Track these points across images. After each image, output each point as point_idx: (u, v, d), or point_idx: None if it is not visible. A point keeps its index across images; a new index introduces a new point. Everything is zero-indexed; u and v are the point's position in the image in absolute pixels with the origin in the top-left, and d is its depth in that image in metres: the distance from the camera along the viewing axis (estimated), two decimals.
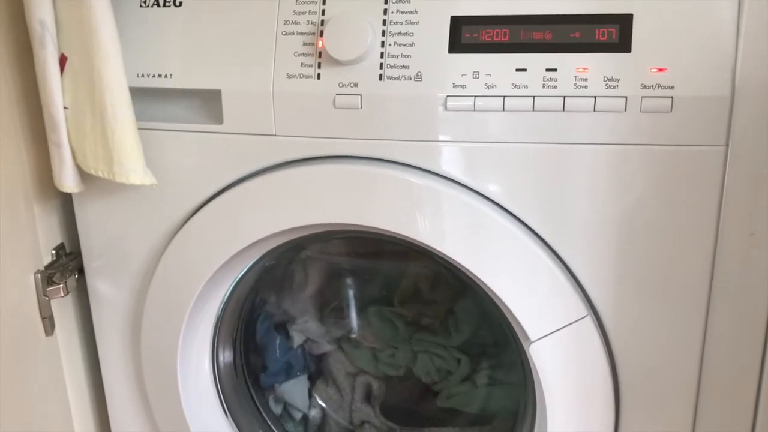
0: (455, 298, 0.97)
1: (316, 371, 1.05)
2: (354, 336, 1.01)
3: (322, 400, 1.02)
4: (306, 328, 1.01)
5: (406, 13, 0.68)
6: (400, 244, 0.74)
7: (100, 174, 0.73)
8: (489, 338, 0.96)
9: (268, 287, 0.99)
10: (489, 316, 0.92)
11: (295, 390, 1.02)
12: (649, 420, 0.72)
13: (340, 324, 1.02)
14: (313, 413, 1.03)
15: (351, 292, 1.02)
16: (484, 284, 0.70)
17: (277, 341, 1.01)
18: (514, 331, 0.73)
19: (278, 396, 1.02)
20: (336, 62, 0.68)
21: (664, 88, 0.63)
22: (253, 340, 0.99)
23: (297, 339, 1.02)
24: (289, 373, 1.02)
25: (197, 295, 0.79)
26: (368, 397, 1.02)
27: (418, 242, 0.70)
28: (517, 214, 0.69)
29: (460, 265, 0.70)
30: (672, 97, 0.63)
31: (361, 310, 1.01)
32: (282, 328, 1.02)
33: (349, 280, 1.02)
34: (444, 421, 0.98)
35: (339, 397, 1.02)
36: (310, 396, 1.03)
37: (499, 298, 0.70)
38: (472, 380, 0.96)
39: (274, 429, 0.99)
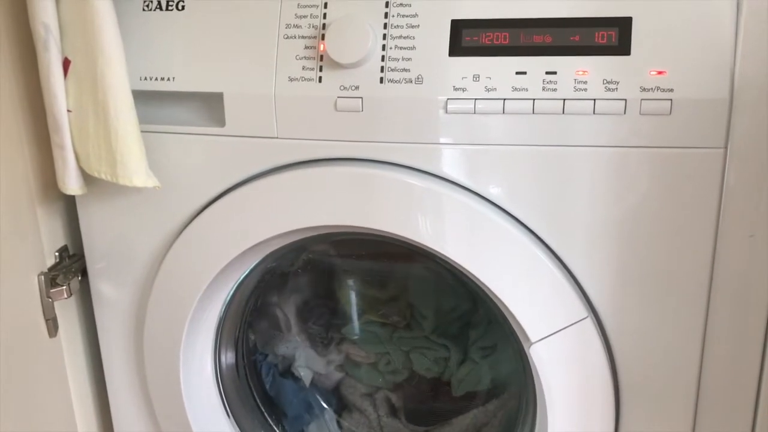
0: (405, 289, 0.98)
1: (338, 404, 1.05)
2: (349, 356, 1.02)
3: (353, 428, 1.03)
4: (308, 363, 1.03)
5: (406, 16, 0.68)
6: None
7: (103, 176, 0.73)
8: (457, 311, 0.97)
9: (260, 339, 1.01)
10: (441, 291, 0.95)
11: (324, 429, 1.03)
12: (650, 420, 0.73)
13: (332, 348, 1.03)
14: None
15: (328, 318, 1.03)
16: (485, 286, 0.70)
17: (287, 386, 1.02)
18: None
19: None
20: (337, 65, 0.69)
21: (664, 90, 0.63)
22: (264, 393, 1.00)
23: (306, 377, 1.03)
24: (310, 412, 1.03)
25: (200, 297, 0.79)
26: (392, 410, 1.03)
27: (419, 244, 0.71)
28: (517, 216, 0.69)
29: (460, 266, 0.70)
30: (671, 100, 0.63)
31: (341, 328, 1.03)
32: (288, 373, 1.03)
33: (320, 308, 1.03)
34: (466, 407, 0.99)
35: (365, 419, 1.02)
36: (342, 428, 1.04)
37: (500, 300, 0.70)
38: (470, 359, 0.97)
39: (276, 430, 0.99)
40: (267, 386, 1.01)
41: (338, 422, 1.04)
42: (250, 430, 0.95)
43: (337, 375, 1.04)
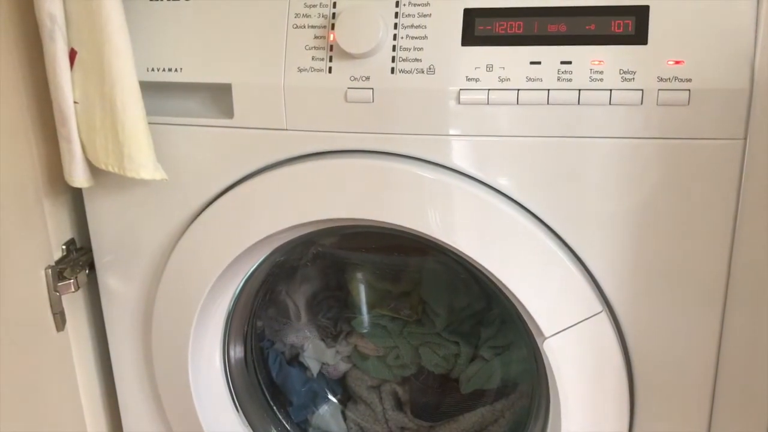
0: (418, 285, 0.98)
1: (344, 394, 1.05)
2: (358, 348, 1.02)
3: (357, 419, 1.03)
4: (316, 354, 1.02)
5: (418, 5, 0.67)
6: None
7: (111, 169, 0.72)
8: (470, 309, 0.96)
9: (268, 326, 1.00)
10: (455, 289, 0.94)
11: (329, 418, 1.03)
12: (665, 416, 0.72)
13: (341, 339, 1.03)
14: None
15: (337, 310, 1.03)
16: (498, 280, 0.70)
17: (294, 375, 1.02)
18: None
19: (316, 427, 1.02)
20: (347, 56, 0.68)
21: (681, 80, 0.62)
22: (270, 382, 1.00)
23: (314, 367, 1.02)
24: (316, 402, 1.03)
25: (208, 291, 0.78)
26: (398, 404, 1.02)
27: (430, 237, 0.70)
28: (530, 209, 0.68)
29: (472, 260, 0.70)
30: (689, 90, 0.62)
31: (351, 321, 1.02)
32: (294, 360, 1.03)
33: (330, 300, 1.03)
34: (473, 404, 0.98)
35: (371, 411, 1.02)
36: (346, 419, 1.04)
37: (512, 294, 0.69)
38: (480, 357, 0.96)
39: (285, 424, 0.98)
40: (274, 374, 1.01)
41: (343, 413, 1.04)
42: (258, 424, 0.94)
43: (344, 366, 1.04)
